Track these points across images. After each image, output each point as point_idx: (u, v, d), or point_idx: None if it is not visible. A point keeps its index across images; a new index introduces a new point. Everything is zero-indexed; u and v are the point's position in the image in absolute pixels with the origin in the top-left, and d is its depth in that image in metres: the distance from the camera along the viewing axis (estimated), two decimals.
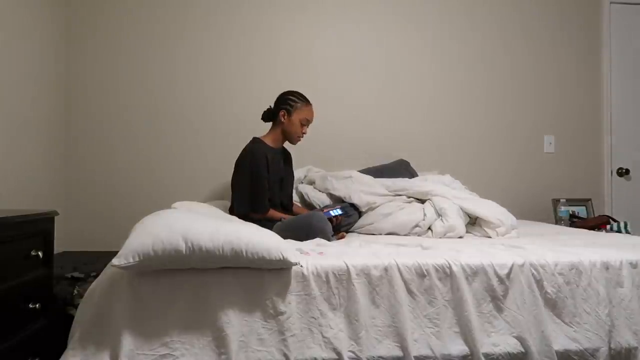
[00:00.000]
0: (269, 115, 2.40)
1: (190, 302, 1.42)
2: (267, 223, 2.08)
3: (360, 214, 2.48)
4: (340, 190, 2.53)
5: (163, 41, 2.99)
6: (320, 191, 2.65)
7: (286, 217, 2.26)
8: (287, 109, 2.34)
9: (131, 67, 2.96)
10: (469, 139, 3.26)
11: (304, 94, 2.40)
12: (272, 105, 2.41)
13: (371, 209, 2.45)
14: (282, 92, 2.40)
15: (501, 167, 3.28)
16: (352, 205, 2.47)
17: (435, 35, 3.24)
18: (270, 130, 2.41)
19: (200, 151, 2.99)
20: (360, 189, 2.51)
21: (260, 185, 2.24)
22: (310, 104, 2.39)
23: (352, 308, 1.47)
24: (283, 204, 2.45)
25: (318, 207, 2.56)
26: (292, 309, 1.45)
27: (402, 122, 3.19)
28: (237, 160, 2.32)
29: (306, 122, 2.38)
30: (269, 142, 2.37)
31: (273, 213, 2.27)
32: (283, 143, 2.44)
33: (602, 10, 3.38)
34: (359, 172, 2.68)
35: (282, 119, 2.34)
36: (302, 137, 2.40)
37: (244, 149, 2.32)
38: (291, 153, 2.57)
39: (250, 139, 2.39)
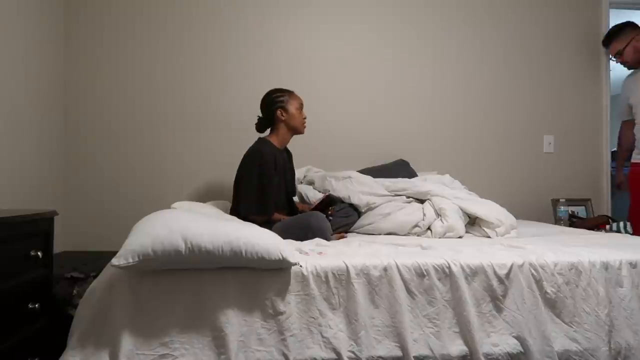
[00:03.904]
0: (264, 124, 2.41)
1: (189, 302, 1.42)
2: (266, 224, 2.08)
3: (359, 214, 2.48)
4: (340, 191, 2.53)
5: (163, 41, 2.99)
6: (319, 192, 2.65)
7: (285, 217, 2.26)
8: (281, 106, 2.35)
9: (132, 67, 2.96)
10: (468, 139, 3.26)
11: (285, 88, 2.43)
12: (261, 114, 2.41)
13: (370, 209, 2.46)
14: (262, 98, 2.39)
15: (500, 167, 3.28)
16: (352, 206, 2.47)
17: (435, 35, 3.24)
18: (272, 133, 2.40)
19: (200, 151, 2.99)
20: (360, 189, 2.51)
21: (269, 188, 2.21)
22: (292, 91, 2.42)
23: (351, 308, 1.47)
24: (288, 201, 2.45)
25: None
26: (291, 308, 1.45)
27: (402, 122, 3.20)
28: (244, 161, 2.28)
29: (301, 107, 2.41)
30: (275, 142, 2.37)
31: (275, 216, 2.26)
32: (289, 141, 2.44)
33: (601, 11, 3.38)
34: (358, 173, 2.68)
35: (283, 117, 2.34)
36: (306, 121, 2.43)
37: (252, 149, 2.30)
38: (292, 153, 2.57)
39: (249, 138, 2.38)
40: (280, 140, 2.39)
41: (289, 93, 2.40)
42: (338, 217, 2.41)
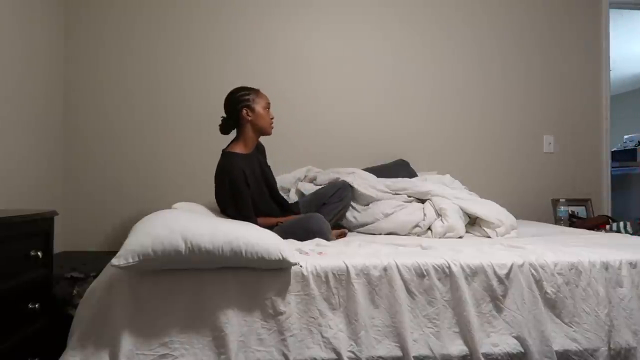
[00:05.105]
0: (229, 125, 2.27)
1: (189, 302, 1.42)
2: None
3: (353, 195, 2.48)
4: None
5: (163, 41, 2.99)
6: (320, 185, 2.65)
7: (282, 220, 2.24)
8: (247, 105, 2.20)
9: (131, 67, 2.96)
10: (468, 139, 3.26)
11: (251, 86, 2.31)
12: (225, 115, 2.27)
13: (367, 204, 2.48)
14: (225, 97, 2.26)
15: (501, 167, 3.29)
16: (344, 188, 2.45)
17: (434, 35, 3.24)
18: (237, 137, 2.26)
19: (201, 151, 2.99)
20: (364, 182, 2.54)
21: (244, 204, 2.14)
22: (258, 89, 2.28)
23: (351, 308, 1.48)
24: (276, 200, 2.39)
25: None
26: (291, 309, 1.45)
27: (402, 122, 3.20)
28: (215, 178, 2.20)
29: (268, 107, 2.26)
30: (241, 149, 2.23)
31: (264, 221, 2.18)
32: (256, 142, 2.31)
33: (601, 11, 3.38)
34: (361, 170, 2.71)
35: (248, 117, 2.20)
36: (273, 121, 2.29)
37: (219, 168, 2.19)
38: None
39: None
40: (247, 144, 2.25)
41: (255, 91, 2.25)
42: (331, 203, 2.41)
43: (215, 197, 2.26)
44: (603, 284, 1.60)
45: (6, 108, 2.29)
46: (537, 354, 1.49)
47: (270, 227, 2.09)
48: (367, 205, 2.50)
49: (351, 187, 2.50)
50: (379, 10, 3.19)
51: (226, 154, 2.21)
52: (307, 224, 2.08)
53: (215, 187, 2.23)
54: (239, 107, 2.21)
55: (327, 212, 2.35)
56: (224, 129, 2.28)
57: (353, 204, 2.52)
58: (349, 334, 1.46)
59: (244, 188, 2.14)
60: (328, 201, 2.41)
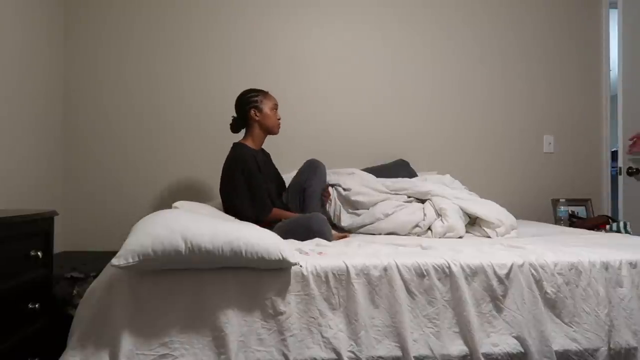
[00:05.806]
0: (238, 124, 2.42)
1: (189, 302, 1.42)
2: (268, 225, 2.06)
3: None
4: (344, 183, 2.55)
5: (163, 41, 2.99)
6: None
7: (290, 215, 2.25)
8: (255, 106, 2.36)
9: (131, 67, 2.96)
10: (468, 139, 3.26)
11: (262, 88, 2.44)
12: (235, 114, 2.42)
13: (363, 203, 2.47)
14: (236, 98, 2.41)
15: (501, 167, 3.28)
16: (313, 163, 2.44)
17: (434, 35, 3.24)
18: (246, 134, 2.42)
19: (201, 151, 2.99)
20: (361, 182, 2.54)
21: (259, 187, 2.24)
22: (267, 91, 2.43)
23: (351, 308, 1.47)
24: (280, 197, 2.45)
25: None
26: (291, 309, 1.45)
27: (402, 122, 3.19)
28: (225, 170, 2.30)
29: (276, 108, 2.41)
30: (250, 144, 2.37)
31: (278, 212, 2.26)
32: (263, 142, 2.45)
33: (601, 11, 3.38)
34: (361, 170, 2.71)
35: (256, 117, 2.36)
36: (280, 121, 2.43)
37: (230, 156, 2.32)
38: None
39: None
40: (255, 141, 2.40)
41: (263, 93, 2.40)
42: (310, 186, 2.40)
43: (220, 191, 2.32)
44: (603, 284, 1.60)
45: (6, 108, 2.29)
46: (537, 354, 1.49)
47: (272, 225, 2.10)
48: (367, 209, 2.49)
49: (321, 163, 2.47)
50: (379, 10, 3.19)
51: (237, 145, 2.36)
52: (308, 223, 2.09)
53: (222, 179, 2.30)
54: (247, 108, 2.36)
55: (311, 195, 2.36)
56: (234, 127, 2.44)
57: (350, 209, 2.52)
58: (349, 334, 1.46)
59: (257, 174, 2.25)
60: (307, 184, 2.40)
